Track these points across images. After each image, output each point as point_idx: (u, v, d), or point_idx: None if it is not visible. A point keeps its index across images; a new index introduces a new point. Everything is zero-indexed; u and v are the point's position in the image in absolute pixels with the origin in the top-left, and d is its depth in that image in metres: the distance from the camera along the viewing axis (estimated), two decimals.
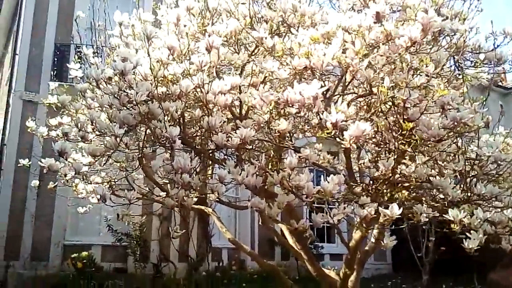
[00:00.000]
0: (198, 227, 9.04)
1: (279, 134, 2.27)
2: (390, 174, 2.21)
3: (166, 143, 2.66)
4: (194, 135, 2.68)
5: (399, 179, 2.38)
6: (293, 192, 2.07)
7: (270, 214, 2.20)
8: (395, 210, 1.95)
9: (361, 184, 2.34)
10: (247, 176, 2.13)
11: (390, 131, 2.10)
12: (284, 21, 2.84)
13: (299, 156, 2.34)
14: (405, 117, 2.11)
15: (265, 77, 2.91)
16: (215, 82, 2.48)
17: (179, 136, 2.19)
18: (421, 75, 2.11)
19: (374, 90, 2.15)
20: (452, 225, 2.01)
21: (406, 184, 2.37)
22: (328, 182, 1.99)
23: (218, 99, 2.48)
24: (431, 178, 2.42)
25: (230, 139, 2.33)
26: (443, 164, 2.49)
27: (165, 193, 3.22)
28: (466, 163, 2.48)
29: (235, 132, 2.22)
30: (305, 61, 2.24)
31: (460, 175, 2.48)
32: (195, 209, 3.98)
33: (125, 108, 2.60)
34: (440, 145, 2.30)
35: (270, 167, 2.26)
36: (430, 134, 2.11)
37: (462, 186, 2.48)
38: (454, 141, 2.26)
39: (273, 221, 4.01)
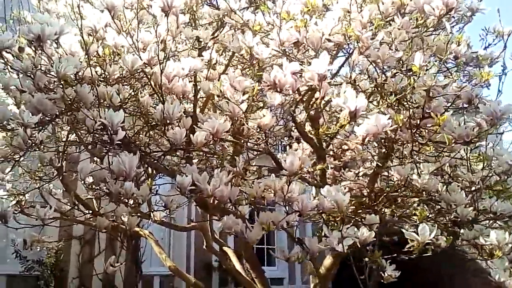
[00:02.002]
0: (126, 252, 8.02)
1: (260, 130, 1.68)
2: (403, 185, 1.70)
3: (97, 138, 1.96)
4: (137, 131, 1.99)
5: (406, 192, 1.88)
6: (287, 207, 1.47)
7: (250, 239, 1.58)
8: (426, 233, 1.42)
9: (364, 198, 1.81)
10: (219, 186, 1.50)
11: (408, 128, 1.60)
12: None
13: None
14: (426, 110, 1.62)
15: (227, 66, 2.35)
16: (170, 64, 1.86)
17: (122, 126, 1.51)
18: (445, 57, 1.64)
19: (388, 74, 1.65)
20: (494, 253, 1.52)
21: (416, 199, 1.87)
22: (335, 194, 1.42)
23: (174, 85, 1.86)
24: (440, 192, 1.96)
25: (191, 135, 1.71)
26: (451, 175, 2.04)
27: (91, 211, 2.51)
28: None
29: (203, 124, 1.59)
30: (297, 34, 1.70)
31: (469, 188, 2.04)
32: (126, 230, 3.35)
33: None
34: (457, 149, 1.83)
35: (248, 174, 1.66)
36: (458, 134, 1.63)
37: (473, 202, 2.05)
38: (476, 146, 1.81)
39: (221, 245, 3.44)
